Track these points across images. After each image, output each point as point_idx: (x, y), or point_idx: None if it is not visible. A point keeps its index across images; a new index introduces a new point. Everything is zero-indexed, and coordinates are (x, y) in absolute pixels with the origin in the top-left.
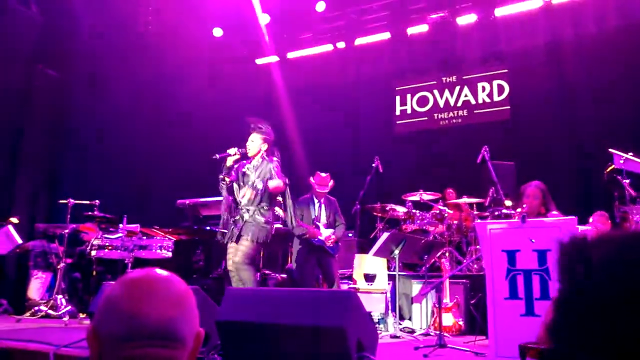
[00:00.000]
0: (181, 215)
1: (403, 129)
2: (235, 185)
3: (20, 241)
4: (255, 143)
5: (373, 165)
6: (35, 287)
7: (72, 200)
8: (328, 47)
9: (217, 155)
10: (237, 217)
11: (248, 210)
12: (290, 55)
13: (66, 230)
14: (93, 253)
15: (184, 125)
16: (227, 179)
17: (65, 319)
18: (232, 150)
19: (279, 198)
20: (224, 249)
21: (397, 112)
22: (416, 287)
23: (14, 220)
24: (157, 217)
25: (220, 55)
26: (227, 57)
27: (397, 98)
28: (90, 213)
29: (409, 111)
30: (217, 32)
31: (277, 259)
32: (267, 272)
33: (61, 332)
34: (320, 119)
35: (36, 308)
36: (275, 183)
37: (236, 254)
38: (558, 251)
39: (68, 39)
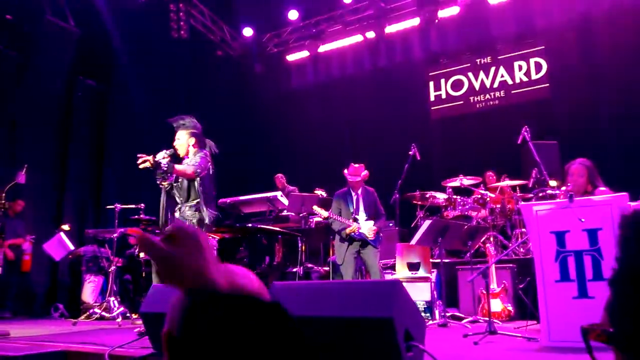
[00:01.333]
0: (223, 214)
1: (439, 115)
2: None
3: (72, 247)
4: (182, 140)
5: (410, 153)
6: (89, 291)
7: (118, 205)
8: (358, 38)
9: (143, 165)
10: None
11: (180, 209)
12: (321, 49)
13: (115, 235)
14: (141, 255)
15: (219, 125)
16: (164, 183)
17: (119, 320)
18: (160, 155)
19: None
20: (267, 246)
21: (432, 98)
22: (462, 274)
23: (65, 227)
24: None
25: (251, 52)
26: (259, 54)
27: (431, 84)
28: (136, 217)
29: (443, 96)
30: (247, 31)
31: (319, 252)
32: (310, 265)
33: (115, 333)
34: (353, 112)
35: (91, 311)
36: (181, 167)
37: None
38: (618, 227)
39: (105, 50)
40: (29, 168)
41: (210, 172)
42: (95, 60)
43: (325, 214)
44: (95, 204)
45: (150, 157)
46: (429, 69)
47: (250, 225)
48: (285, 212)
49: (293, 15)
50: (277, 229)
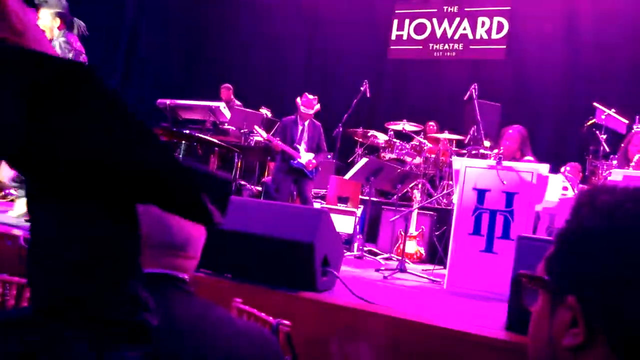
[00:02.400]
0: (161, 116)
1: (396, 55)
2: None
3: None
4: (45, 21)
5: (361, 88)
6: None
7: None
8: None
9: None
10: None
11: None
12: None
13: None
14: None
15: (170, 24)
16: None
17: None
18: None
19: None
20: (202, 156)
21: (393, 37)
22: (385, 213)
23: None
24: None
25: None
26: None
27: (395, 22)
28: None
29: (404, 37)
30: None
31: (255, 171)
32: (243, 182)
33: None
34: (313, 35)
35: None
36: None
37: None
38: (576, 196)
39: None
40: None
41: (82, 60)
42: None
43: (264, 135)
44: None
45: None
46: (396, 5)
47: (187, 132)
48: (226, 125)
49: None
50: (215, 140)
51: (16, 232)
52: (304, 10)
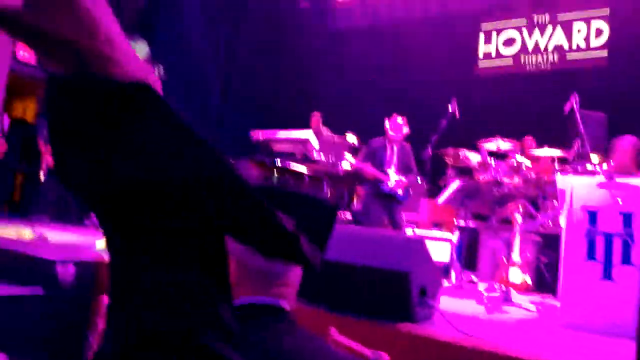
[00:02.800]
0: (255, 148)
1: (485, 72)
2: None
3: None
4: None
5: (449, 107)
6: None
7: None
8: None
9: None
10: None
11: None
12: None
13: None
14: None
15: (261, 57)
16: None
17: None
18: None
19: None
20: (293, 186)
21: (480, 54)
22: (484, 239)
23: None
24: (231, 149)
25: None
26: None
27: (482, 37)
28: None
29: (493, 53)
30: None
31: (344, 198)
32: None
33: None
34: (397, 58)
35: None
36: None
37: None
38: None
39: None
40: None
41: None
42: None
43: (354, 162)
44: None
45: None
46: (482, 20)
47: (279, 164)
48: (315, 154)
49: None
50: (304, 170)
51: None
52: (385, 33)
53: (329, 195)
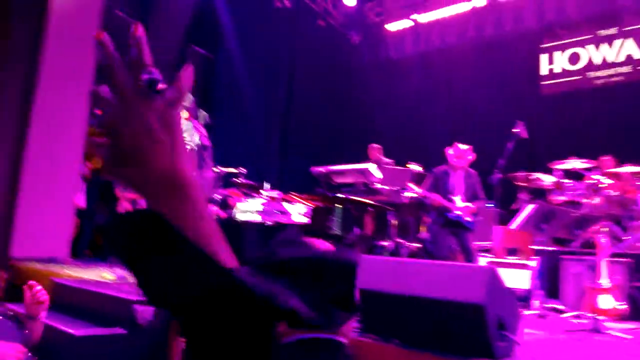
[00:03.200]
0: (315, 182)
1: (551, 90)
2: None
3: None
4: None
5: (516, 130)
6: None
7: (221, 169)
8: (464, 7)
9: None
10: None
11: None
12: (423, 18)
13: (218, 196)
14: (238, 216)
15: (317, 93)
16: None
17: None
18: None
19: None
20: (357, 217)
21: (544, 72)
22: (566, 264)
23: None
24: (294, 184)
25: (352, 22)
26: (359, 23)
27: (544, 57)
28: (235, 180)
29: (557, 70)
30: (350, 1)
31: (410, 227)
32: (400, 240)
33: None
34: (454, 84)
35: None
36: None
37: None
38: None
39: (214, 19)
40: None
41: (197, 141)
42: (205, 29)
43: (419, 191)
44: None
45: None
46: (543, 40)
47: (341, 195)
48: (377, 185)
49: None
50: (368, 200)
51: None
52: (439, 60)
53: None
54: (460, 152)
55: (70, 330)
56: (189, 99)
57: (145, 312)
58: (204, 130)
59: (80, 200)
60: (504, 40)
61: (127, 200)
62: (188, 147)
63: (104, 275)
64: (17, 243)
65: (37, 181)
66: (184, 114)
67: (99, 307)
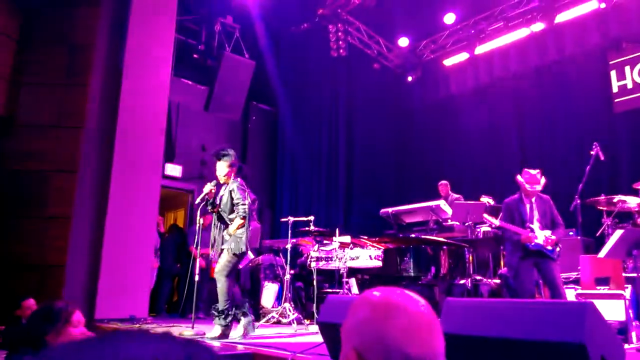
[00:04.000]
0: (385, 224)
1: (624, 107)
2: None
3: (252, 256)
4: (222, 171)
5: (592, 152)
6: (267, 296)
7: (291, 218)
8: (521, 33)
9: (198, 200)
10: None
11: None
12: (480, 49)
13: (288, 245)
14: (312, 264)
15: (377, 135)
16: (214, 211)
17: (294, 325)
18: (207, 189)
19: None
20: (432, 256)
21: (615, 89)
22: None
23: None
24: (363, 228)
25: (407, 62)
26: (415, 62)
27: (613, 73)
28: (306, 228)
29: (629, 85)
30: (403, 41)
31: (488, 263)
32: (478, 277)
33: (294, 338)
34: (519, 112)
35: (269, 315)
36: (234, 227)
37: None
38: None
39: (274, 78)
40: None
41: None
42: (266, 86)
43: (496, 222)
44: (271, 217)
45: (210, 186)
46: (610, 57)
47: (413, 235)
48: (449, 222)
49: (449, 18)
50: (442, 239)
51: (285, 353)
52: (501, 88)
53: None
54: (532, 177)
55: None
56: (234, 155)
57: None
58: (247, 187)
59: (155, 260)
60: (568, 61)
61: (202, 257)
62: (244, 205)
63: (182, 332)
64: (100, 305)
65: (116, 246)
66: (228, 170)
67: None
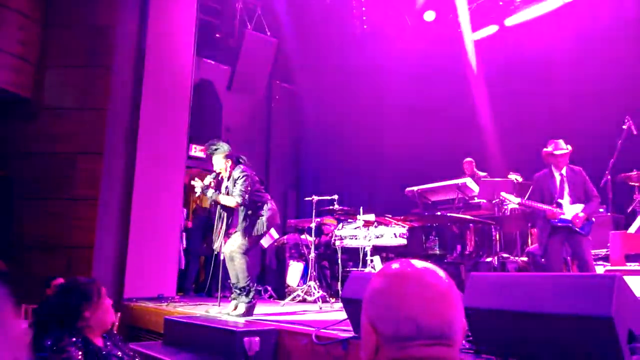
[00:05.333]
0: (411, 203)
1: None
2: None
3: (277, 236)
4: (220, 164)
5: (624, 126)
6: (292, 275)
7: (315, 197)
8: (554, 3)
9: (198, 193)
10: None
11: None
12: (508, 22)
13: (313, 224)
14: (337, 243)
15: (402, 117)
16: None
17: (319, 303)
18: (207, 180)
19: None
20: (458, 234)
21: None
22: None
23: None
24: (387, 207)
25: (434, 37)
26: (440, 38)
27: None
28: (330, 207)
29: None
30: (429, 15)
31: (516, 241)
32: (505, 255)
33: (318, 315)
34: (548, 85)
35: (294, 293)
36: (225, 200)
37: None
38: None
39: (296, 56)
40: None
41: (255, 182)
42: (288, 65)
43: (515, 200)
44: (295, 196)
45: (200, 183)
46: None
47: (439, 213)
48: (476, 200)
49: None
50: (469, 217)
51: (308, 329)
52: (529, 62)
53: (497, 238)
54: (556, 144)
55: None
56: (227, 147)
57: (252, 343)
58: (250, 171)
59: (183, 241)
60: (601, 30)
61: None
62: (241, 193)
63: (208, 310)
64: (128, 285)
65: (144, 226)
66: (228, 163)
67: (209, 340)
